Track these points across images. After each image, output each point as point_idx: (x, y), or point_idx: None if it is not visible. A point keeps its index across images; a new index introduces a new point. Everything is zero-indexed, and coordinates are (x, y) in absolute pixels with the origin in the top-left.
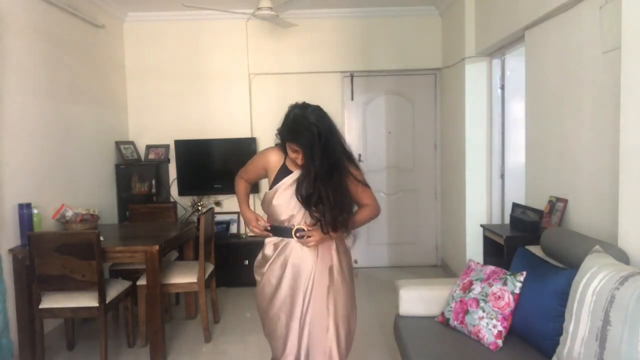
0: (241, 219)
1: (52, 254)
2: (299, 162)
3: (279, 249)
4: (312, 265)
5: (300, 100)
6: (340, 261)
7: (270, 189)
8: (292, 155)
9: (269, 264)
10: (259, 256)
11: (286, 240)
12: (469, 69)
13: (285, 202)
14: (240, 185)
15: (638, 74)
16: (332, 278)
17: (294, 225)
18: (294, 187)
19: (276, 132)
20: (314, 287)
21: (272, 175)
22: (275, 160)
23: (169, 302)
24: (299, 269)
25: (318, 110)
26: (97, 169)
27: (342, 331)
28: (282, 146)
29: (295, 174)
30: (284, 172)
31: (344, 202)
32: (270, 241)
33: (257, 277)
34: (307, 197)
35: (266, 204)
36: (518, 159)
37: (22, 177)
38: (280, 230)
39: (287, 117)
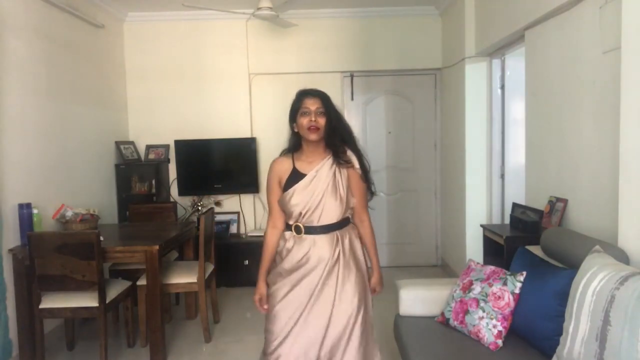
0: (241, 218)
1: (52, 254)
2: (312, 119)
3: (295, 243)
4: (330, 258)
5: None
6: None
7: (283, 192)
8: (304, 120)
9: (285, 257)
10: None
11: (304, 236)
12: (469, 69)
13: (303, 201)
14: (270, 238)
15: (638, 74)
16: (356, 269)
17: (312, 221)
18: (309, 187)
19: (289, 119)
20: (339, 281)
21: (283, 181)
22: (283, 168)
23: (169, 302)
24: (318, 262)
25: None
26: (97, 169)
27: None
28: (292, 136)
29: (311, 175)
30: (295, 175)
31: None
32: (289, 236)
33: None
34: (333, 137)
35: (283, 204)
36: (518, 159)
37: (22, 177)
38: (297, 228)
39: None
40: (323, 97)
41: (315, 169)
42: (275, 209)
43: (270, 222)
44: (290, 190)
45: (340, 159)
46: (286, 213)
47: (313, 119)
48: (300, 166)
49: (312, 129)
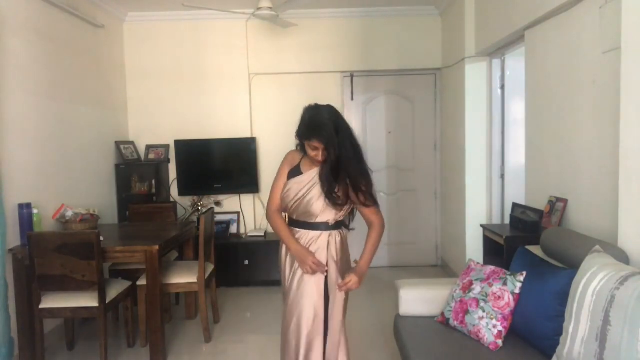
0: (241, 218)
1: (52, 254)
2: (319, 158)
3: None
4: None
5: (301, 100)
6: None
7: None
8: (312, 153)
9: (285, 255)
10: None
11: (298, 230)
12: (469, 69)
13: (291, 195)
14: (276, 219)
15: (638, 74)
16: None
17: (293, 215)
18: (299, 184)
19: (295, 135)
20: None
21: (288, 170)
22: (294, 159)
23: (169, 302)
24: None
25: (330, 108)
26: (97, 169)
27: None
28: (301, 148)
29: (309, 175)
30: (296, 171)
31: (365, 171)
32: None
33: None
34: (329, 185)
35: (282, 192)
36: (518, 159)
37: (22, 177)
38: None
39: (304, 118)
40: (328, 143)
41: (312, 171)
42: (279, 195)
43: (273, 207)
44: (288, 182)
45: (331, 199)
46: (282, 202)
47: (320, 157)
48: (303, 165)
49: (318, 159)
